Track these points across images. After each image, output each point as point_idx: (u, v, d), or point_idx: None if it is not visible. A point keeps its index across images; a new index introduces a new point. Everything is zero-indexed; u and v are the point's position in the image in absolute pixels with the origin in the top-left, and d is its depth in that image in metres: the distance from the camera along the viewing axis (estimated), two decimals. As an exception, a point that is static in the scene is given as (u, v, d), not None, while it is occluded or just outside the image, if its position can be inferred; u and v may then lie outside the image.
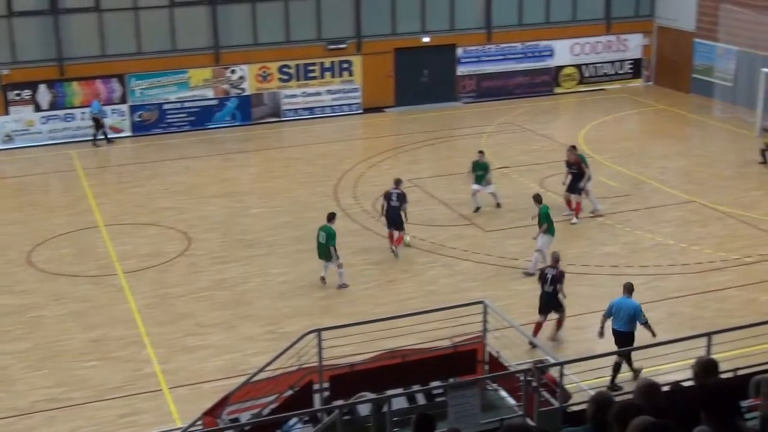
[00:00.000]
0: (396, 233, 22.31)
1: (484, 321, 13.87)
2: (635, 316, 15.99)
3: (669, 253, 21.96)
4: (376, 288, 20.50)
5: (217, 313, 19.42)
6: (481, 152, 25.28)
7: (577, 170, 23.99)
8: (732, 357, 11.79)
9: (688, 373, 8.30)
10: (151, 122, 33.51)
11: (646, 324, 16.02)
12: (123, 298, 20.22)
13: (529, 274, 20.57)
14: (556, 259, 17.95)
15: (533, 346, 16.27)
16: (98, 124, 32.19)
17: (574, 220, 23.92)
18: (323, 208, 25.20)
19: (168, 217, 25.10)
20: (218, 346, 18.02)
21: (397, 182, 22.80)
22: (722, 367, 8.51)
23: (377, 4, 35.69)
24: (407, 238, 22.67)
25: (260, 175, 28.91)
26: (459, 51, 36.95)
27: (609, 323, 16.29)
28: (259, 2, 34.30)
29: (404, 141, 31.65)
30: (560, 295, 17.54)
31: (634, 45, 39.14)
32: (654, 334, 15.89)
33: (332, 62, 35.41)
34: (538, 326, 17.54)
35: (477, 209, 24.67)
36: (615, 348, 15.87)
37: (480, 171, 24.77)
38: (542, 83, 38.18)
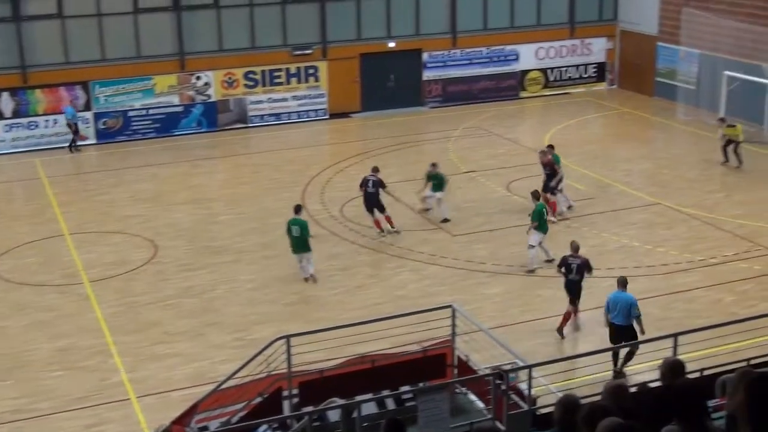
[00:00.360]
0: (380, 215, 23.04)
1: (453, 325, 13.88)
2: (630, 309, 16.26)
3: (635, 255, 22.12)
4: (345, 293, 20.47)
5: (185, 321, 19.30)
6: (434, 164, 24.80)
7: (551, 171, 24.28)
8: (698, 357, 11.91)
9: (656, 374, 8.35)
10: (115, 129, 33.26)
11: (638, 318, 16.25)
12: (89, 307, 20.04)
13: (530, 271, 21.08)
14: (576, 248, 18.44)
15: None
16: (74, 129, 32.03)
17: (552, 218, 24.08)
18: (290, 214, 25.15)
19: (134, 224, 24.92)
20: (186, 354, 17.90)
21: (375, 169, 23.49)
22: (689, 367, 8.56)
23: (342, 10, 35.69)
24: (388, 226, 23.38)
25: (227, 182, 28.79)
26: (425, 56, 37.04)
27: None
28: (224, 8, 34.19)
29: (371, 146, 31.67)
30: (583, 283, 18.12)
31: (597, 49, 39.43)
32: (642, 332, 16.11)
33: (298, 68, 35.35)
34: (568, 315, 18.16)
35: (445, 220, 24.46)
36: (609, 343, 16.18)
37: (435, 182, 24.51)
38: (508, 87, 38.35)
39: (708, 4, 34.28)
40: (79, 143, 32.38)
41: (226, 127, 34.54)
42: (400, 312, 15.05)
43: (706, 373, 10.69)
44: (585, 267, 18.22)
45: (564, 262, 18.39)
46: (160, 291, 20.78)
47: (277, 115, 35.28)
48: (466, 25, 37.42)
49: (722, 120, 29.63)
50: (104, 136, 33.09)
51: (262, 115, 35.08)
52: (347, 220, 24.78)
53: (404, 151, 31.24)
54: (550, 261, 21.42)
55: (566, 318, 18.17)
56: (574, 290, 18.29)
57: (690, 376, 9.02)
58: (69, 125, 32.03)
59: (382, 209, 23.25)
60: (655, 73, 37.50)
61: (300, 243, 20.82)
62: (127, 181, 28.75)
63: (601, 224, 23.98)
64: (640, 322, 16.32)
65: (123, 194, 27.53)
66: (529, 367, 11.60)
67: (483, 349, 13.94)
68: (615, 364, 16.25)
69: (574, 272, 18.16)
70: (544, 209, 21.40)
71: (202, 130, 34.24)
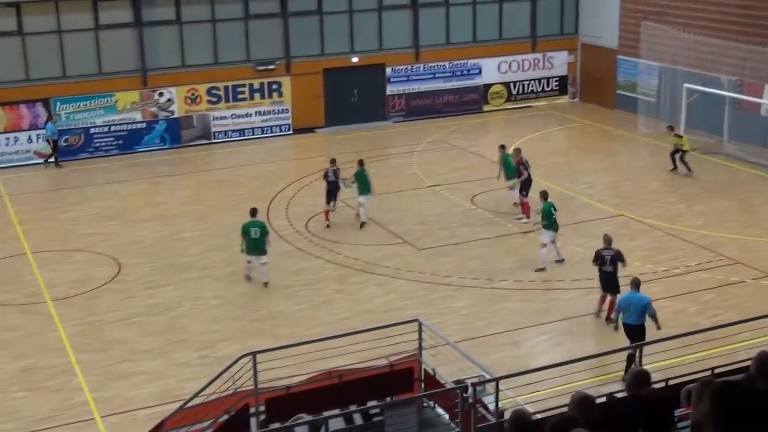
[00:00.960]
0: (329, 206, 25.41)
1: (420, 339, 13.88)
2: (645, 309, 16.72)
3: (599, 266, 22.24)
4: (311, 309, 20.42)
5: (150, 339, 19.14)
6: (360, 161, 25.89)
7: (521, 172, 25.21)
8: (664, 367, 11.99)
9: (622, 385, 8.40)
10: (77, 147, 32.99)
11: (653, 316, 16.74)
12: (52, 326, 19.81)
13: (540, 269, 21.76)
14: (609, 241, 19.30)
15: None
16: (53, 145, 31.98)
17: (525, 220, 24.98)
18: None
19: (97, 242, 24.71)
20: (151, 372, 17.75)
21: (333, 161, 25.83)
22: (654, 377, 8.63)
23: (305, 25, 35.72)
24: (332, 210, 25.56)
25: (191, 198, 28.64)
26: (388, 70, 37.16)
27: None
28: (186, 24, 34.09)
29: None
30: (618, 274, 19.02)
31: (559, 62, 39.77)
32: (659, 327, 16.59)
33: (261, 83, 35.31)
34: (603, 300, 19.18)
35: (362, 224, 25.13)
36: (627, 343, 16.51)
37: (361, 181, 25.22)
38: (471, 101, 38.55)
39: (667, 18, 34.72)
40: (39, 161, 32.23)
41: (190, 144, 34.40)
42: (367, 326, 15.03)
43: (671, 382, 10.76)
44: (618, 258, 19.08)
45: (598, 256, 19.20)
46: (124, 309, 20.60)
47: (241, 131, 35.20)
48: (429, 40, 37.60)
49: (671, 128, 30.53)
50: (66, 153, 32.80)
51: (226, 131, 34.98)
52: (312, 235, 24.75)
53: (369, 166, 31.23)
54: (560, 261, 22.02)
55: (611, 305, 18.75)
56: (610, 282, 19.09)
57: (656, 386, 9.10)
58: (48, 141, 31.98)
59: (330, 201, 25.29)
60: (616, 86, 37.87)
61: (259, 245, 21.29)
62: (89, 199, 28.51)
63: (566, 236, 24.11)
64: (656, 320, 16.82)
65: (86, 212, 27.30)
66: (496, 379, 11.62)
67: (450, 362, 13.95)
68: (625, 369, 16.66)
69: (608, 264, 19.01)
70: (551, 208, 21.95)
71: (166, 147, 34.06)
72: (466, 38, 38.31)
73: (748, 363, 8.32)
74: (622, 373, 15.74)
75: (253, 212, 21.77)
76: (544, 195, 22.35)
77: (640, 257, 22.60)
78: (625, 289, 17.76)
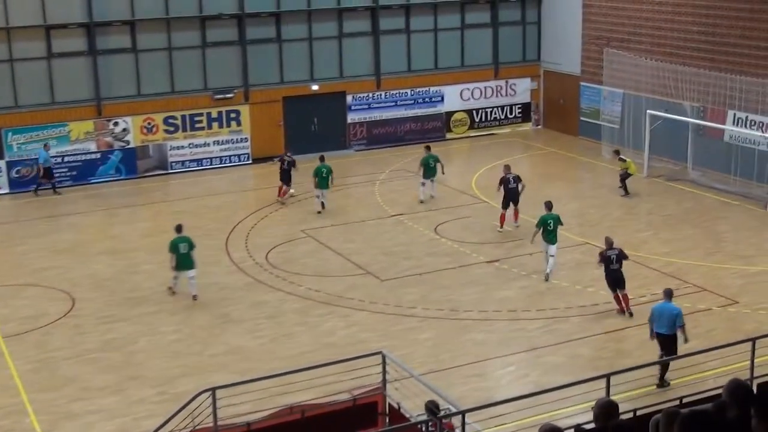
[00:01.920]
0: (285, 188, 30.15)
1: (384, 372, 13.84)
2: (676, 319, 17.52)
3: (565, 295, 22.38)
4: (272, 342, 20.30)
5: (106, 376, 18.90)
6: (322, 157, 30.19)
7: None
8: (632, 397, 12.04)
9: (590, 416, 8.41)
10: (30, 178, 32.67)
11: (682, 328, 17.52)
12: (3, 364, 19.50)
13: (548, 278, 23.16)
14: (611, 242, 21.13)
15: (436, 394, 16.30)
16: (48, 173, 32.02)
17: (499, 228, 26.90)
18: (214, 262, 24.99)
19: (50, 276, 24.43)
20: (107, 411, 17.51)
21: (287, 148, 30.46)
22: (622, 407, 8.65)
23: (264, 53, 35.78)
24: (292, 191, 30.32)
25: (148, 230, 28.42)
26: (349, 98, 37.27)
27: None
28: (141, 52, 33.98)
29: (296, 191, 31.61)
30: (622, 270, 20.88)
31: (522, 89, 40.14)
32: (686, 340, 17.46)
33: (219, 112, 35.26)
34: (617, 297, 21.00)
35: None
36: (657, 356, 17.44)
37: (320, 177, 29.02)
38: (433, 129, 38.74)
39: (629, 44, 35.20)
40: (57, 185, 32.48)
41: (146, 174, 34.21)
42: (330, 360, 14.97)
43: (639, 413, 10.80)
44: (623, 255, 20.91)
45: (604, 257, 20.87)
46: (78, 345, 20.35)
47: (199, 161, 35.08)
48: (390, 67, 37.82)
49: (617, 152, 31.73)
50: (18, 185, 32.46)
51: (183, 161, 34.85)
52: (273, 267, 24.65)
53: (330, 195, 31.26)
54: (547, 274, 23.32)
55: (626, 300, 20.81)
56: (619, 279, 20.80)
57: (623, 416, 9.11)
58: (39, 169, 32.03)
59: (289, 183, 30.28)
60: (580, 113, 38.27)
61: (188, 259, 22.34)
62: (42, 232, 28.21)
63: (531, 265, 24.23)
64: (684, 332, 17.48)
65: (38, 245, 27.00)
66: (462, 412, 11.60)
67: (415, 395, 13.91)
68: (659, 376, 17.43)
69: (615, 262, 20.74)
70: (548, 219, 23.35)
71: (121, 178, 33.84)
72: (428, 65, 38.57)
73: (718, 392, 8.37)
74: (589, 404, 15.82)
75: (179, 228, 22.76)
76: (547, 205, 23.84)
77: (606, 286, 22.69)
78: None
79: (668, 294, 17.95)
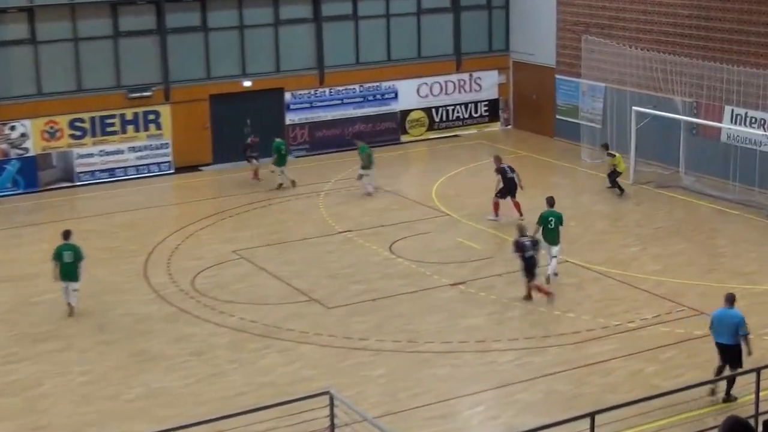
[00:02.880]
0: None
1: (332, 415, 13.82)
2: (738, 327, 17.84)
3: (541, 322, 22.48)
4: (198, 383, 20.17)
5: (3, 425, 18.68)
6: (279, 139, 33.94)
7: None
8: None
9: None
10: None
11: (745, 337, 17.85)
12: None
13: (549, 280, 24.20)
14: (523, 228, 23.39)
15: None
16: None
17: (491, 217, 28.98)
18: (130, 289, 24.83)
19: (-65, 309, 24.13)
20: (4, 467, 17.32)
21: (253, 136, 34.12)
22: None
23: (187, 44, 35.70)
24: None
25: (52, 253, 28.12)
26: (287, 96, 37.29)
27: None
28: (42, 44, 33.72)
29: (226, 205, 31.50)
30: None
31: (489, 84, 40.40)
32: (750, 353, 17.84)
33: (135, 113, 35.09)
34: (536, 287, 23.05)
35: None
36: (714, 369, 18.02)
37: (278, 152, 32.97)
38: (386, 131, 38.86)
39: (610, 31, 35.51)
40: None
41: (49, 187, 33.94)
42: (268, 402, 14.91)
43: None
44: (536, 241, 23.21)
45: (519, 245, 22.90)
46: (-31, 390, 20.10)
47: (112, 171, 34.88)
48: (336, 60, 37.89)
49: (605, 146, 32.54)
50: None
51: (93, 171, 34.62)
52: (200, 294, 24.53)
53: (266, 210, 31.20)
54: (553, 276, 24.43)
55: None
56: (531, 265, 22.84)
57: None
58: None
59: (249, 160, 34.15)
60: (555, 111, 38.56)
61: (72, 270, 23.11)
62: (-75, 257, 27.90)
63: (500, 288, 24.32)
64: (747, 342, 17.75)
65: None
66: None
67: (368, 441, 13.91)
68: (725, 391, 17.83)
69: (530, 248, 22.81)
70: (549, 217, 24.49)
71: (19, 192, 33.54)
72: (380, 57, 38.71)
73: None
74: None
75: (66, 234, 23.56)
76: (549, 201, 25.15)
77: (589, 310, 22.88)
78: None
79: (730, 299, 18.26)
